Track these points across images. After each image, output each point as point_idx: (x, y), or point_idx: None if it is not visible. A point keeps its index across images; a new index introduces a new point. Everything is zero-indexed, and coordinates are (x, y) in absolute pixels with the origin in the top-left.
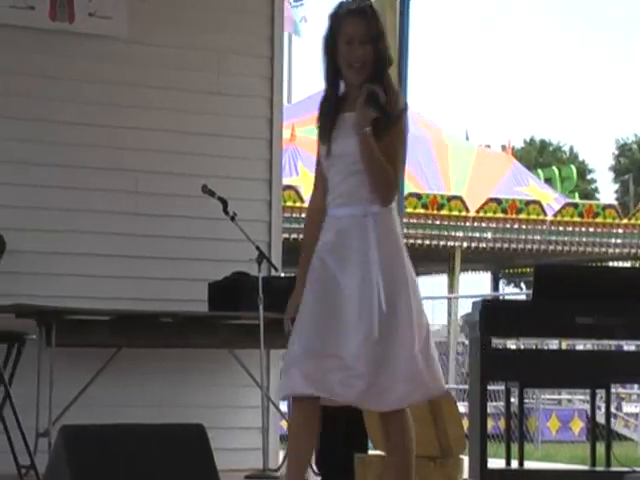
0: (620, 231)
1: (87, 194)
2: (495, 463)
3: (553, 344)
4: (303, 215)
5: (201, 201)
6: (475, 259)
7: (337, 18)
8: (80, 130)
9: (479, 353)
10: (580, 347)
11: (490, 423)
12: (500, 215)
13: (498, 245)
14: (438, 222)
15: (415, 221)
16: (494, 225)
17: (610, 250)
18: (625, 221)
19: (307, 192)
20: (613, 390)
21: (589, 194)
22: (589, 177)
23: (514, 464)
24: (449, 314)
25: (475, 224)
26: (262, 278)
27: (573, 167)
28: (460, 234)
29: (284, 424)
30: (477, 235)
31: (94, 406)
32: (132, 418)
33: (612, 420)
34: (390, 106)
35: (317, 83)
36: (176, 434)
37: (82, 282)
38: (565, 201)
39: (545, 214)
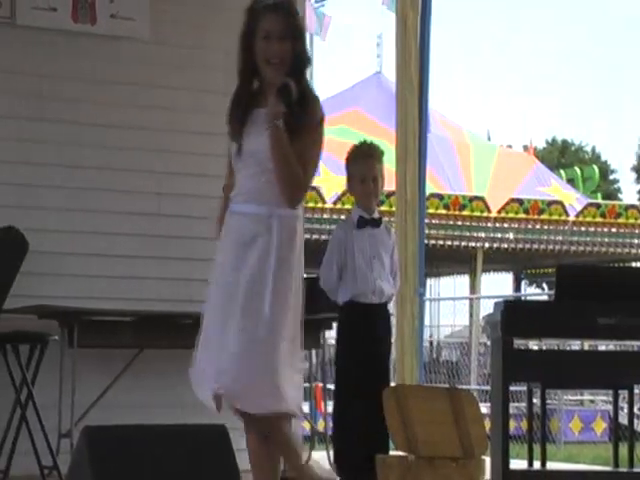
0: None
1: (110, 195)
2: (517, 464)
3: (575, 345)
4: (325, 215)
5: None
6: (497, 260)
7: (255, 13)
8: (101, 131)
9: (501, 354)
10: (602, 348)
11: (512, 424)
12: (522, 216)
13: (520, 246)
14: (460, 223)
15: (437, 222)
16: (516, 226)
17: (633, 250)
18: None
19: (329, 192)
20: (636, 391)
21: (611, 194)
22: (611, 177)
23: (536, 465)
24: (471, 315)
25: (497, 225)
26: None
27: (595, 167)
28: (482, 235)
29: (306, 425)
30: (499, 236)
31: (116, 407)
32: (154, 419)
33: (635, 421)
34: (304, 109)
35: (339, 83)
36: (198, 434)
37: (104, 283)
38: (587, 201)
39: (567, 214)
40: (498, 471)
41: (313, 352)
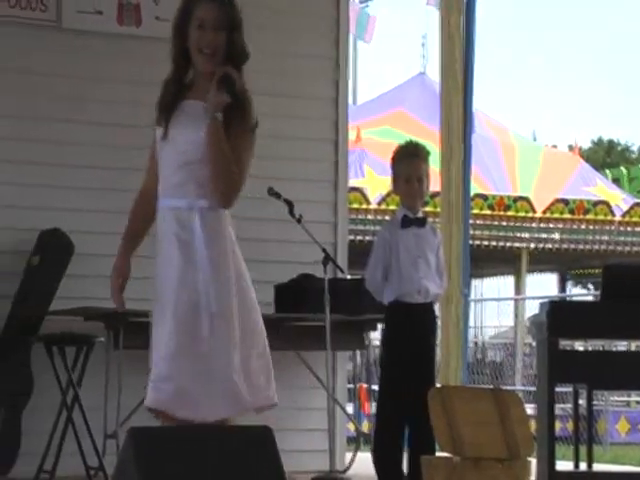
0: None
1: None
2: (563, 465)
3: (622, 346)
4: (369, 217)
5: (267, 203)
6: (542, 260)
7: (190, 1)
8: (144, 133)
9: (546, 355)
10: None
11: (558, 425)
12: (567, 216)
13: (565, 246)
14: (504, 223)
15: (481, 222)
16: (561, 226)
17: None
18: None
19: (373, 193)
20: None
21: None
22: None
23: (582, 466)
24: (516, 315)
25: (542, 225)
26: (328, 280)
27: None
28: (527, 235)
29: (351, 426)
30: (544, 236)
31: None
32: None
33: None
34: (242, 111)
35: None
36: (244, 435)
37: (149, 284)
38: (633, 201)
39: (613, 214)
40: (544, 472)
41: (357, 353)
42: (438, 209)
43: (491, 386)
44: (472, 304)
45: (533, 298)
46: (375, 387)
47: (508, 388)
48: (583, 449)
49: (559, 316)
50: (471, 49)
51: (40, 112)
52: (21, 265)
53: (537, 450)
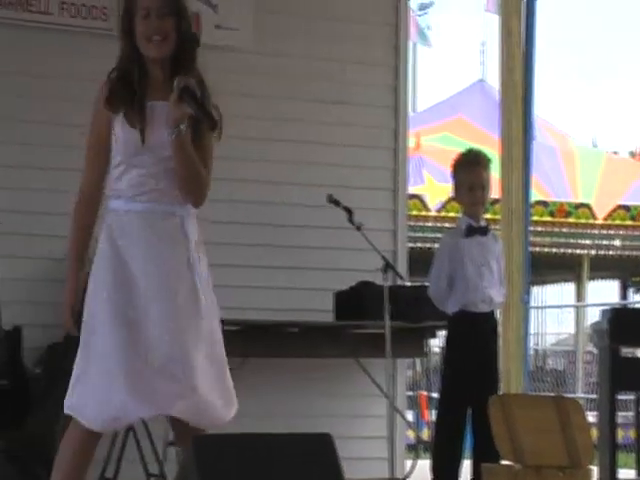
0: None
1: (215, 206)
2: (625, 474)
3: None
4: (428, 224)
5: (326, 211)
6: (603, 267)
7: None
8: None
9: (608, 362)
10: None
11: (620, 433)
12: (629, 222)
13: (627, 253)
14: (565, 230)
15: (542, 229)
16: (622, 232)
17: None
18: None
19: (432, 201)
20: None
21: None
22: None
23: None
24: (577, 323)
25: (603, 232)
26: (388, 287)
27: None
28: (588, 242)
29: (410, 433)
30: (605, 243)
31: None
32: (259, 427)
33: None
34: (208, 103)
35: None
36: (305, 443)
37: (221, 293)
38: None
39: None
40: None
41: (417, 360)
42: (498, 216)
43: (552, 394)
44: (532, 311)
45: (594, 305)
46: (434, 395)
47: (569, 396)
48: None
49: (620, 323)
50: (531, 55)
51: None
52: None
53: (598, 458)
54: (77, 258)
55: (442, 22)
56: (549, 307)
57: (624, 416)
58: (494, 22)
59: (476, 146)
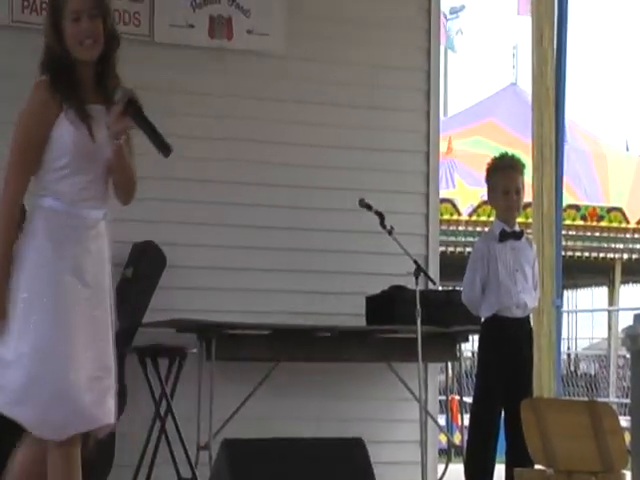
0: None
1: (246, 209)
2: None
3: None
4: (460, 228)
5: (358, 215)
6: (636, 271)
7: None
8: (239, 146)
9: None
10: None
11: None
12: None
13: None
14: (597, 234)
15: (574, 233)
16: None
17: None
18: None
19: (464, 204)
20: None
21: None
22: None
23: None
24: (609, 327)
25: (636, 235)
26: (420, 291)
27: None
28: (620, 246)
29: (442, 438)
30: (638, 247)
31: (252, 419)
32: (290, 432)
33: None
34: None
35: (474, 95)
36: (336, 448)
37: (240, 296)
38: None
39: None
40: None
41: (449, 364)
42: (530, 220)
43: (585, 398)
44: (565, 315)
45: (627, 309)
46: (466, 399)
47: (602, 400)
48: None
49: None
50: (563, 59)
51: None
52: (115, 278)
53: (632, 463)
54: (8, 255)
55: (474, 25)
56: (581, 311)
57: None
58: (526, 25)
59: (507, 149)
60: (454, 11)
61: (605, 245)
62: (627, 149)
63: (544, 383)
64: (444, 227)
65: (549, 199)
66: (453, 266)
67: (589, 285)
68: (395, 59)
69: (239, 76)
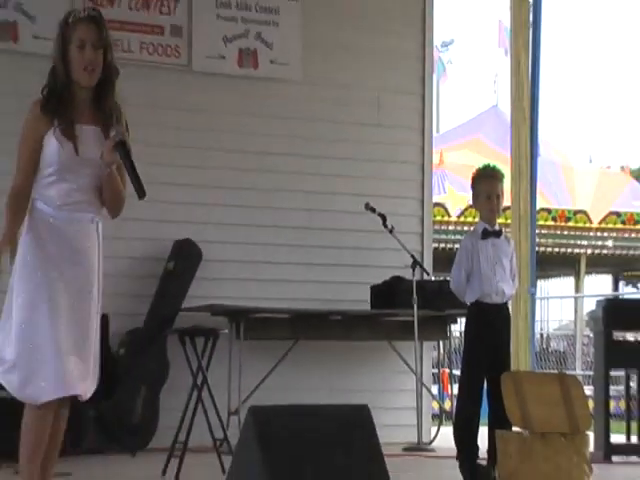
0: None
1: (269, 212)
2: (617, 438)
3: None
4: (450, 227)
5: (364, 216)
6: (598, 264)
7: (69, 25)
8: (260, 158)
9: (602, 344)
10: None
11: (612, 404)
12: (619, 226)
13: (618, 252)
14: (566, 232)
15: (546, 232)
16: (614, 235)
17: None
18: None
19: (453, 208)
20: None
21: None
22: None
23: (634, 439)
24: (575, 311)
25: (598, 234)
26: (416, 281)
27: None
28: (585, 242)
29: (435, 405)
30: (600, 243)
31: (275, 389)
32: (306, 399)
33: None
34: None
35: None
36: (345, 413)
37: (264, 285)
38: None
39: None
40: (600, 444)
41: (441, 343)
42: (508, 221)
43: (555, 371)
44: (538, 301)
45: (590, 296)
46: (455, 372)
47: (570, 373)
48: (634, 424)
49: (613, 311)
50: (536, 85)
51: (168, 140)
52: (159, 270)
53: (594, 425)
54: (15, 227)
55: (462, 56)
56: (552, 298)
57: (616, 389)
58: (506, 56)
59: (490, 162)
60: (445, 44)
61: (572, 242)
62: (590, 161)
63: (521, 358)
64: (437, 227)
65: (525, 203)
66: (444, 260)
67: (558, 276)
68: (396, 84)
69: (263, 99)
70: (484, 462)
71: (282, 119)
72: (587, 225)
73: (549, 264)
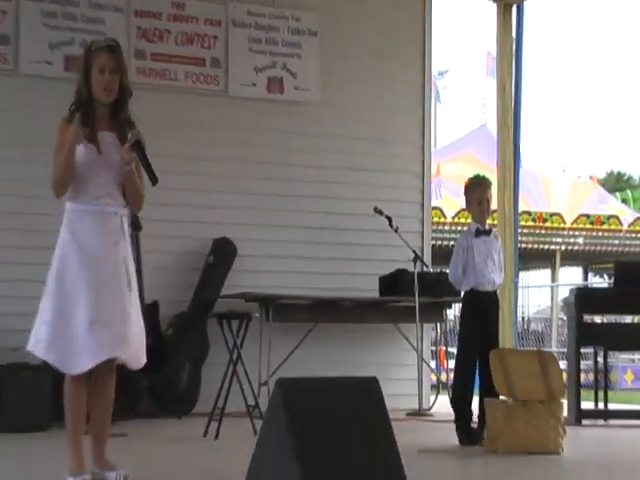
0: None
1: (294, 214)
2: (586, 405)
3: (628, 319)
4: (446, 227)
5: (373, 218)
6: (570, 258)
7: (92, 52)
8: (288, 169)
9: (574, 326)
10: None
11: (582, 376)
12: (589, 226)
13: (587, 248)
14: (543, 231)
15: (527, 231)
16: (584, 233)
17: None
18: None
19: (449, 211)
20: None
21: None
22: None
23: (600, 405)
24: (552, 298)
25: (570, 232)
26: (417, 273)
27: None
28: (559, 240)
29: (433, 377)
30: (572, 241)
31: (298, 363)
32: (325, 372)
33: None
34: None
35: (455, 133)
36: (358, 384)
37: (290, 276)
38: (636, 216)
39: (622, 225)
40: (573, 410)
41: (438, 325)
42: (496, 222)
43: (535, 349)
44: (520, 290)
45: (564, 285)
46: (451, 349)
47: (547, 350)
48: (601, 393)
49: (583, 298)
50: (519, 107)
51: (209, 153)
52: (201, 263)
53: (568, 394)
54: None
55: (455, 83)
56: (532, 287)
57: (585, 364)
58: (492, 83)
59: (480, 172)
60: (441, 73)
61: (549, 239)
62: (564, 171)
63: (506, 338)
64: (434, 227)
65: (509, 207)
66: (441, 255)
67: (537, 268)
68: (400, 107)
69: (288, 119)
70: (476, 425)
71: (304, 135)
72: (561, 225)
73: (529, 258)
